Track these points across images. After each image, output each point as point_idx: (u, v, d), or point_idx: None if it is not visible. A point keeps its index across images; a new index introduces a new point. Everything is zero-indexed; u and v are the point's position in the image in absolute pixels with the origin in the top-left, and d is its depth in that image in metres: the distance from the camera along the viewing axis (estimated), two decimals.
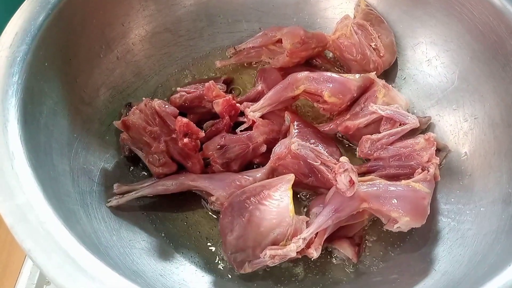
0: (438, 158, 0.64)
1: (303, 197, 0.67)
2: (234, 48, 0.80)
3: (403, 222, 0.57)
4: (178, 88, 0.71)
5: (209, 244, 0.64)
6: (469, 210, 0.61)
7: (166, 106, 0.65)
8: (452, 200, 0.64)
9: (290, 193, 0.58)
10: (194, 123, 0.64)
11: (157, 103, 0.64)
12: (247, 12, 0.82)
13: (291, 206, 0.57)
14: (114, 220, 0.60)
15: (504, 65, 0.64)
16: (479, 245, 0.55)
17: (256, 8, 0.82)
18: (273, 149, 0.65)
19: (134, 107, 0.64)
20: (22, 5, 0.58)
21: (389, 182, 0.59)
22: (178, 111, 0.66)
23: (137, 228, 0.62)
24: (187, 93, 0.69)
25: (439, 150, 0.68)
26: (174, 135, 0.64)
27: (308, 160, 0.60)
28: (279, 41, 0.76)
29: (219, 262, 0.62)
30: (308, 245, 0.56)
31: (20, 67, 0.53)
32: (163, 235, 0.63)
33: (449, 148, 0.68)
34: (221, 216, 0.59)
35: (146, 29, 0.76)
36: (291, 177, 0.60)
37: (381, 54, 0.72)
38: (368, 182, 0.59)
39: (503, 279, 0.44)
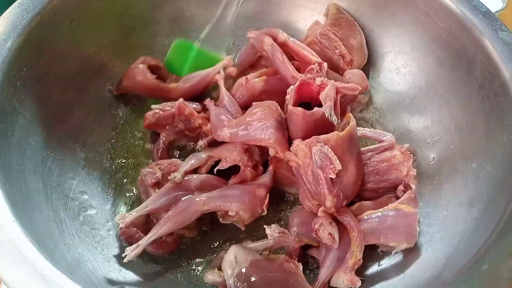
0: (415, 169, 0.65)
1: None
2: None
3: (401, 247, 0.59)
4: (153, 106, 0.71)
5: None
6: (437, 214, 0.63)
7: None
8: (421, 204, 0.65)
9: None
10: (168, 143, 0.68)
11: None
12: None
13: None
14: (89, 235, 0.60)
15: (467, 72, 0.66)
16: (445, 247, 0.57)
17: None
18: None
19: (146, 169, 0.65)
20: None
21: (378, 212, 0.60)
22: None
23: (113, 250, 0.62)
24: (161, 111, 0.70)
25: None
26: None
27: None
28: None
29: None
30: None
31: None
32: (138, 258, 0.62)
33: (418, 153, 0.70)
34: None
35: (121, 46, 0.77)
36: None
37: (348, 60, 0.74)
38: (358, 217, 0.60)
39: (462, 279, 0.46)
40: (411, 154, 0.65)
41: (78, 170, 0.66)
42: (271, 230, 0.58)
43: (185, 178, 0.63)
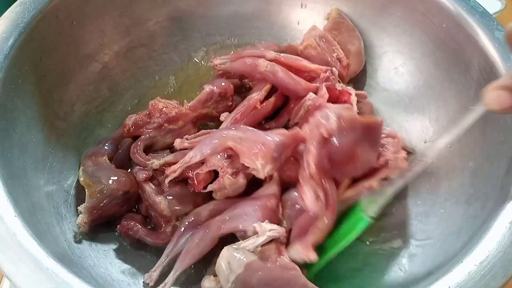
0: (405, 151, 0.64)
1: None
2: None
3: None
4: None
5: None
6: (435, 212, 0.63)
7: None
8: (419, 202, 0.66)
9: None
10: (146, 146, 0.66)
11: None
12: (220, 25, 0.84)
13: None
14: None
15: (464, 71, 0.66)
16: (442, 245, 0.58)
17: (229, 22, 0.84)
18: None
19: None
20: None
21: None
22: None
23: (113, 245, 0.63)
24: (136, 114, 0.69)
25: (409, 153, 0.70)
26: None
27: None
28: None
29: None
30: None
31: None
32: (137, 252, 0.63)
33: (416, 151, 0.71)
34: None
35: (121, 45, 0.77)
36: None
37: (344, 64, 0.74)
38: None
39: (456, 275, 0.46)
40: (400, 137, 0.65)
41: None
42: (261, 228, 0.56)
43: (194, 212, 0.62)
